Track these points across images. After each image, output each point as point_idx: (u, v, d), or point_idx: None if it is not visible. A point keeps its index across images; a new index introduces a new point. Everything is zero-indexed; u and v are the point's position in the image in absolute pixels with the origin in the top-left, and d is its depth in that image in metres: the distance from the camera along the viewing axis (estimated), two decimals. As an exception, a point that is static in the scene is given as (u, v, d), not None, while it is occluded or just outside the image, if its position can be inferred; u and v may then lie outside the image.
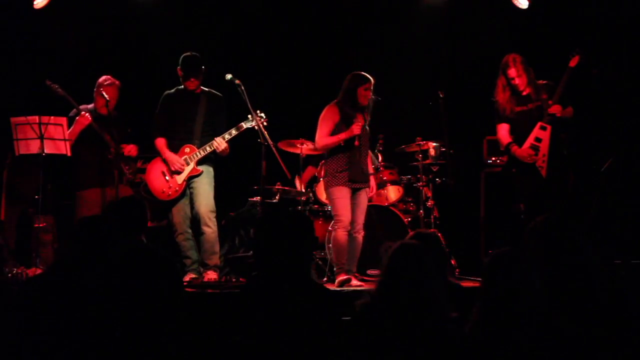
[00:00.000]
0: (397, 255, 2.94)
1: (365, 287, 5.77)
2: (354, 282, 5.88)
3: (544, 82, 6.05)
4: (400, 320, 2.78)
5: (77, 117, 6.14)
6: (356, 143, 5.90)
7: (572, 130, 6.15)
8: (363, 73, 5.93)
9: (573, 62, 5.97)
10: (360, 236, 5.95)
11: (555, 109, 5.89)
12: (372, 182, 6.27)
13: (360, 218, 5.95)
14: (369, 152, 6.23)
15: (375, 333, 2.81)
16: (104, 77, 6.26)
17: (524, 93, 6.02)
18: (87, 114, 6.14)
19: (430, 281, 2.85)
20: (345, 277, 5.85)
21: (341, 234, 5.88)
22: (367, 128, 6.00)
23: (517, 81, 5.95)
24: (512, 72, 5.95)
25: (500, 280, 2.78)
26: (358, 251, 5.99)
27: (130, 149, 6.26)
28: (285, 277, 3.08)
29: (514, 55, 5.99)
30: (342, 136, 5.88)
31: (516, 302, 2.73)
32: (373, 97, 6.00)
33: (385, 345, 2.78)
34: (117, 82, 6.27)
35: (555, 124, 5.94)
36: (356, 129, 5.83)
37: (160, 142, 6.17)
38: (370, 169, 6.22)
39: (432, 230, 6.68)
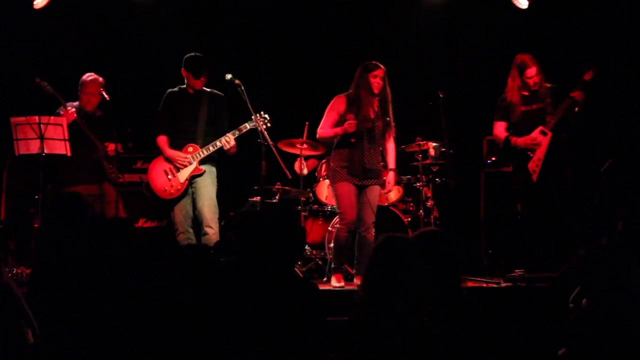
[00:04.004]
0: (380, 247, 2.87)
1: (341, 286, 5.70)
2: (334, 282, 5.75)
3: (549, 85, 6.06)
4: (381, 319, 2.73)
5: (61, 112, 6.12)
6: (352, 140, 5.72)
7: (572, 131, 6.15)
8: (373, 62, 5.78)
9: (588, 76, 5.93)
10: (369, 235, 5.71)
11: (555, 120, 5.91)
12: (390, 177, 5.98)
13: (369, 215, 5.73)
14: (389, 145, 5.98)
15: (364, 331, 2.76)
16: (86, 75, 6.22)
17: (533, 93, 6.02)
18: (72, 110, 6.13)
19: (413, 276, 2.75)
20: (340, 282, 5.75)
21: (342, 233, 5.74)
22: (379, 121, 5.80)
23: (535, 79, 5.93)
24: (531, 71, 5.93)
25: (597, 274, 2.72)
26: (369, 251, 5.65)
27: (114, 148, 6.21)
28: (268, 271, 3.10)
29: (530, 55, 5.99)
30: (338, 131, 5.72)
31: (617, 296, 2.67)
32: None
33: (373, 344, 2.73)
34: (100, 79, 6.21)
35: (556, 132, 5.94)
36: (349, 127, 5.64)
37: (162, 140, 6.16)
38: (391, 164, 5.98)
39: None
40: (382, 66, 5.77)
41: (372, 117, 5.77)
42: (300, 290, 3.15)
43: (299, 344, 2.98)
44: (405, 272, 2.74)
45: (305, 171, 6.99)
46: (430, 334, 2.72)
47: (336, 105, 5.81)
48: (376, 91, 5.77)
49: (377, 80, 5.75)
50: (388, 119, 5.84)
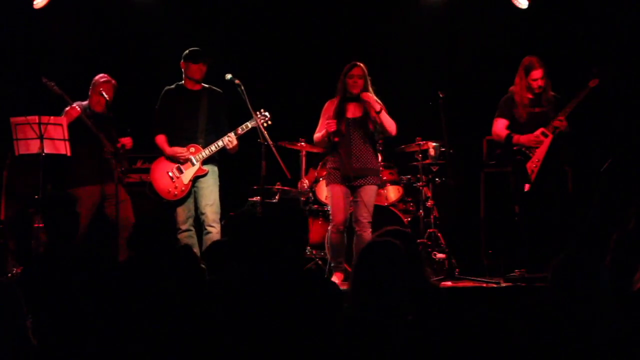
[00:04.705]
0: (364, 252, 2.91)
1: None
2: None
3: (553, 93, 6.06)
4: (364, 321, 2.76)
5: (65, 109, 6.13)
6: (335, 139, 5.82)
7: (572, 132, 6.15)
8: (351, 62, 5.86)
9: (593, 83, 5.92)
10: (365, 234, 5.77)
11: (562, 124, 5.90)
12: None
13: (363, 215, 5.80)
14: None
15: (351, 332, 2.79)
16: (100, 75, 6.25)
17: (536, 96, 6.01)
18: (75, 106, 6.13)
19: (397, 280, 2.80)
20: (341, 277, 5.82)
21: (333, 235, 5.86)
22: (364, 120, 5.86)
23: (540, 82, 5.93)
24: (537, 73, 5.92)
25: (569, 283, 2.72)
26: None
27: (126, 142, 6.20)
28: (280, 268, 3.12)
29: (537, 58, 5.99)
30: (324, 134, 5.86)
31: (586, 305, 2.67)
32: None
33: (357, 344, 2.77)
34: (113, 81, 6.25)
35: (557, 136, 5.95)
36: (329, 126, 5.77)
37: (161, 139, 6.15)
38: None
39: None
40: (359, 64, 5.84)
41: (357, 116, 5.86)
42: (320, 288, 3.17)
43: (321, 342, 3.00)
44: (390, 277, 2.79)
45: (306, 185, 7.05)
46: (416, 331, 2.76)
47: (326, 110, 5.98)
48: (355, 91, 5.84)
49: (353, 80, 5.83)
50: (373, 116, 5.86)
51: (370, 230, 5.79)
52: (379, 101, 5.86)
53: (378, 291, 2.76)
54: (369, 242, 3.01)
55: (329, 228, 5.95)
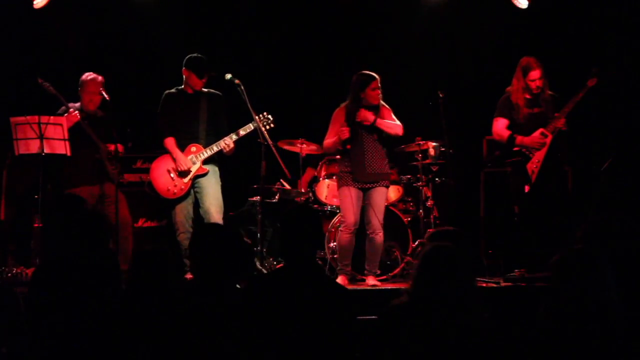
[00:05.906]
0: (430, 257, 2.93)
1: (381, 286, 5.86)
2: (370, 281, 5.91)
3: (551, 92, 6.07)
4: (433, 321, 2.79)
5: (65, 115, 6.14)
6: (348, 147, 5.89)
7: (571, 131, 6.15)
8: (368, 72, 5.90)
9: (592, 82, 5.93)
10: (377, 237, 5.89)
11: (561, 123, 5.91)
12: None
13: (375, 218, 5.88)
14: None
15: (409, 332, 2.81)
16: (86, 74, 6.23)
17: (534, 97, 6.02)
18: (75, 112, 6.13)
19: (462, 283, 2.84)
20: (344, 281, 5.86)
21: (343, 235, 5.90)
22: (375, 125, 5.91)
23: (538, 83, 5.94)
24: (535, 73, 5.94)
25: (572, 280, 2.72)
26: (377, 252, 5.97)
27: (113, 149, 6.20)
28: (300, 270, 3.14)
29: (535, 58, 5.99)
30: (335, 140, 5.93)
31: (589, 301, 2.67)
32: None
33: (417, 345, 2.79)
34: (100, 77, 6.22)
35: (557, 136, 5.95)
36: (342, 134, 5.83)
37: (170, 142, 6.13)
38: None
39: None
40: (376, 76, 5.89)
41: (369, 123, 5.89)
42: (330, 291, 3.19)
43: (331, 345, 3.01)
44: (453, 280, 2.83)
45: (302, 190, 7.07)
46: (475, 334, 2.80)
47: (337, 117, 6.01)
48: (376, 102, 5.91)
49: (376, 92, 5.89)
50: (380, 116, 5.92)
51: (382, 232, 5.90)
52: (370, 112, 5.90)
53: (438, 296, 2.81)
54: (432, 246, 3.01)
55: (340, 229, 6.03)
